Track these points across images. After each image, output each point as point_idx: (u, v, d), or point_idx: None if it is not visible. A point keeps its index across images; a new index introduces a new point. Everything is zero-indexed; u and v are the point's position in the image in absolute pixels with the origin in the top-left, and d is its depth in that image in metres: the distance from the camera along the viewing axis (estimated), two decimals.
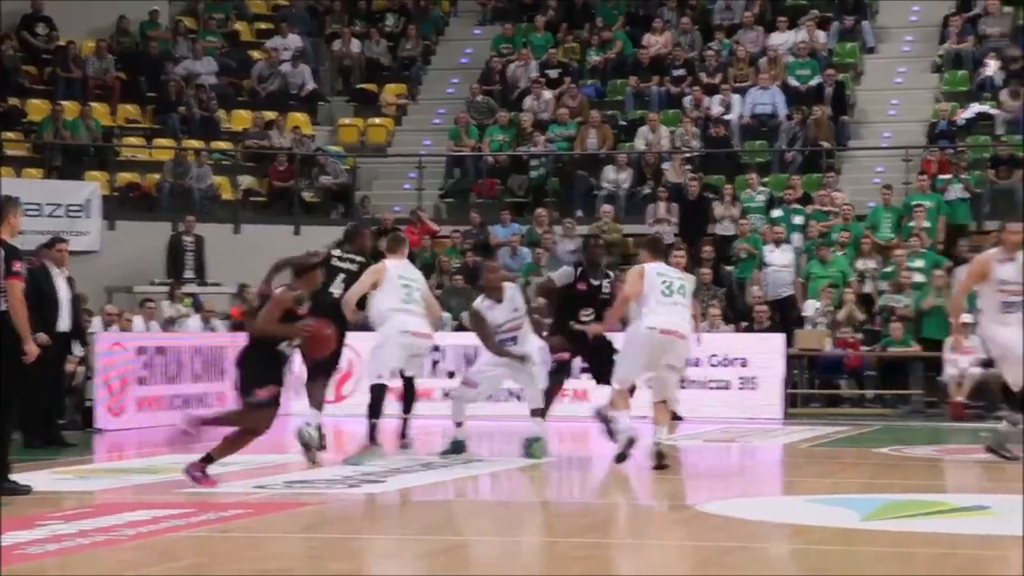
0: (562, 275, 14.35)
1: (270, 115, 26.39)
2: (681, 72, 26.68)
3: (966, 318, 20.11)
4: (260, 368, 11.30)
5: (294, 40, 27.99)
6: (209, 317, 20.84)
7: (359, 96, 28.12)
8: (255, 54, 28.19)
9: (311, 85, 27.60)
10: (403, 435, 14.12)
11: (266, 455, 13.23)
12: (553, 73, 27.30)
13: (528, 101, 26.71)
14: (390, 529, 10.21)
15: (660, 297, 12.91)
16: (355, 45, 28.52)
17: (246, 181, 25.76)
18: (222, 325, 20.60)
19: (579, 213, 24.55)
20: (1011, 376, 13.50)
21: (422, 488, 11.95)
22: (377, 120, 27.73)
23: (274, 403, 11.32)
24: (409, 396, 14.03)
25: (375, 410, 13.34)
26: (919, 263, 21.37)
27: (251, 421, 11.36)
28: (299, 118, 26.86)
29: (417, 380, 14.13)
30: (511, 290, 13.90)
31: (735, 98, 25.72)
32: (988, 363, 19.72)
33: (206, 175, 24.79)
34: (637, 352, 12.93)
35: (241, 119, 26.85)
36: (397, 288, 13.51)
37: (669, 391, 13.13)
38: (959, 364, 19.72)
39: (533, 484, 12.89)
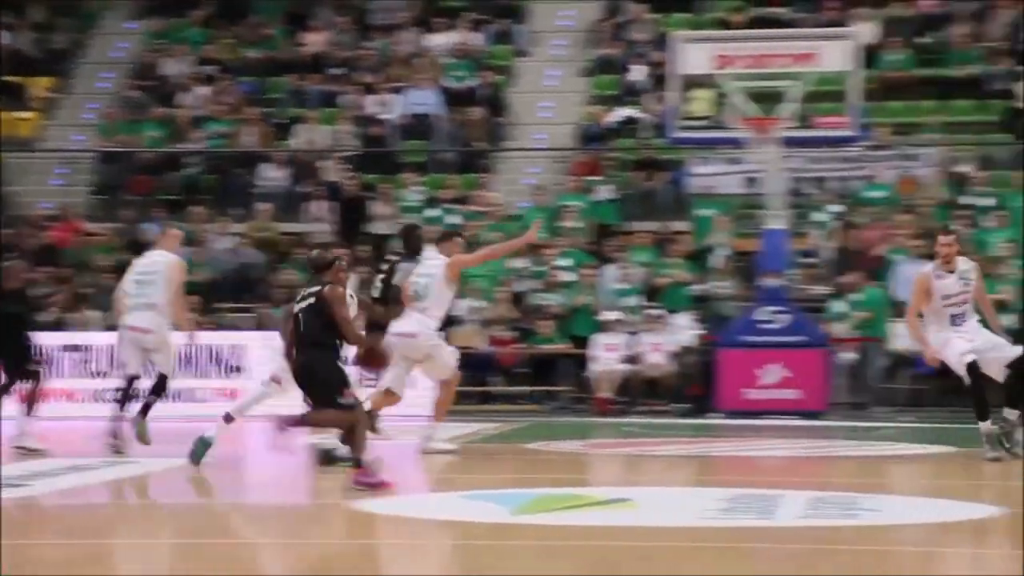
0: None
1: None
2: (339, 71, 26.73)
3: (611, 315, 20.83)
4: (341, 371, 11.61)
5: None
6: None
7: (3, 88, 27.24)
8: None
9: None
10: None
11: None
12: (209, 69, 26.99)
13: (183, 97, 26.35)
14: (30, 534, 9.94)
15: None
16: (3, 36, 27.62)
17: None
18: None
19: (236, 211, 24.35)
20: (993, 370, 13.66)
21: (70, 491, 11.70)
22: (24, 113, 26.92)
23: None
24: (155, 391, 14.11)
25: (121, 403, 13.78)
26: (567, 262, 21.95)
27: (352, 419, 11.61)
28: None
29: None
30: None
31: (392, 98, 25.91)
32: (633, 359, 20.46)
33: None
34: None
35: None
36: (131, 283, 13.78)
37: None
38: (605, 360, 20.34)
39: (190, 485, 12.75)
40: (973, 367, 13.50)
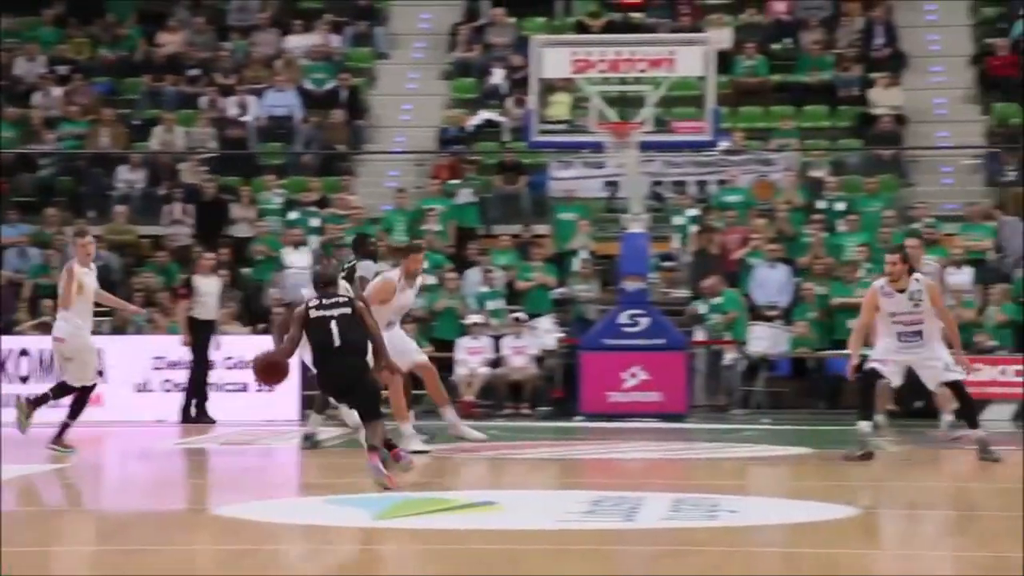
0: None
1: None
2: (196, 72, 26.48)
3: (474, 319, 20.88)
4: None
5: None
6: None
7: None
8: None
9: None
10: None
11: None
12: (63, 69, 26.59)
13: (36, 97, 25.92)
14: None
15: None
16: None
17: None
18: None
19: (92, 214, 24.02)
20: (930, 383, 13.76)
21: None
22: None
23: None
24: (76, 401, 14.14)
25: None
26: (429, 265, 21.93)
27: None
28: None
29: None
30: None
31: (251, 99, 25.73)
32: (496, 363, 20.52)
33: None
34: None
35: None
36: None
37: None
38: (469, 364, 20.38)
39: (48, 490, 12.56)
40: (871, 373, 13.61)
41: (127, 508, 11.80)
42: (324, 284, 12.01)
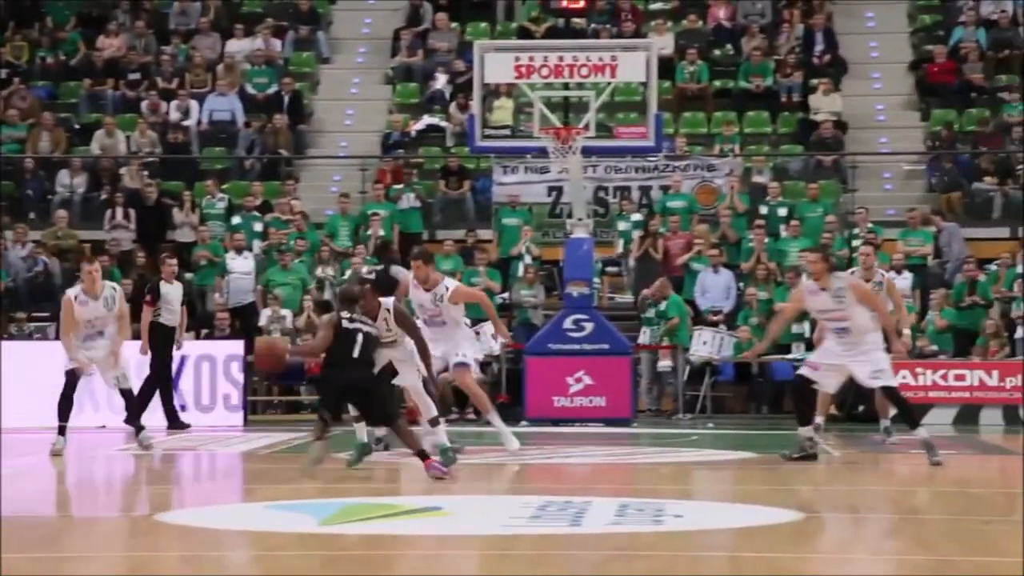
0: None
1: None
2: (137, 76, 26.34)
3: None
4: None
5: None
6: None
7: None
8: None
9: None
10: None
11: None
12: (2, 73, 26.39)
13: None
14: None
15: None
16: None
17: None
18: None
19: (32, 217, 23.84)
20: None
21: None
22: None
23: None
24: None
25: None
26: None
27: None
28: None
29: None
30: None
31: (193, 104, 25.61)
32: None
33: None
34: None
35: None
36: None
37: None
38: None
39: None
40: (801, 379, 14.07)
41: (64, 515, 11.70)
42: (348, 301, 13.07)
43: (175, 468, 15.32)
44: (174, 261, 18.85)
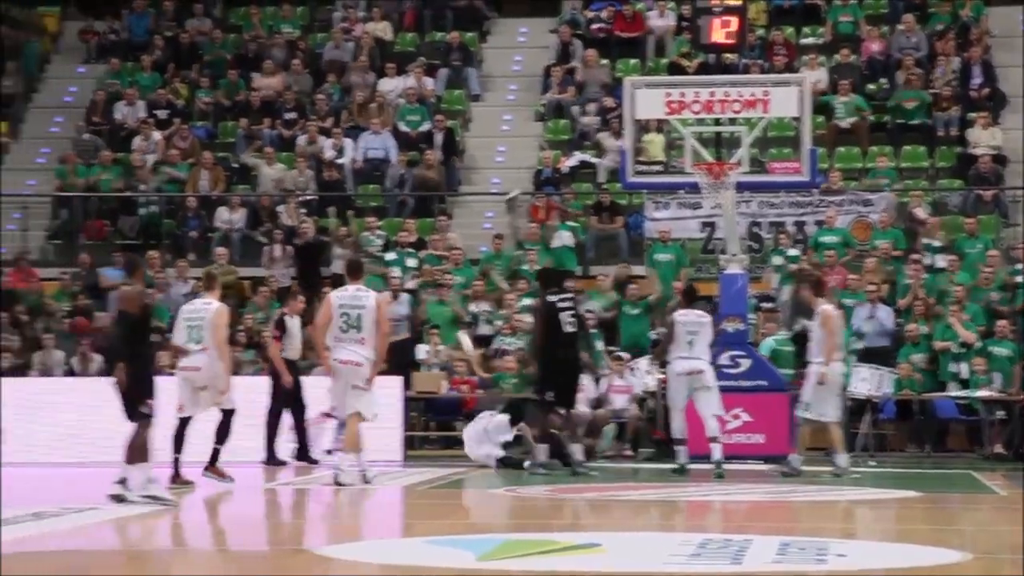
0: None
1: None
2: (292, 115, 26.72)
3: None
4: None
5: None
6: None
7: None
8: None
9: None
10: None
11: None
12: (162, 114, 26.93)
13: (137, 141, 26.27)
14: None
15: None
16: None
17: None
18: None
19: (192, 256, 24.27)
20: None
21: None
22: None
23: None
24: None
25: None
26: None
27: None
28: None
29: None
30: None
31: (347, 142, 25.90)
32: (599, 403, 20.39)
33: None
34: None
35: None
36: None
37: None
38: None
39: (165, 531, 12.63)
40: None
41: (229, 547, 11.84)
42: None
43: (335, 502, 15.42)
44: (302, 298, 19.21)
